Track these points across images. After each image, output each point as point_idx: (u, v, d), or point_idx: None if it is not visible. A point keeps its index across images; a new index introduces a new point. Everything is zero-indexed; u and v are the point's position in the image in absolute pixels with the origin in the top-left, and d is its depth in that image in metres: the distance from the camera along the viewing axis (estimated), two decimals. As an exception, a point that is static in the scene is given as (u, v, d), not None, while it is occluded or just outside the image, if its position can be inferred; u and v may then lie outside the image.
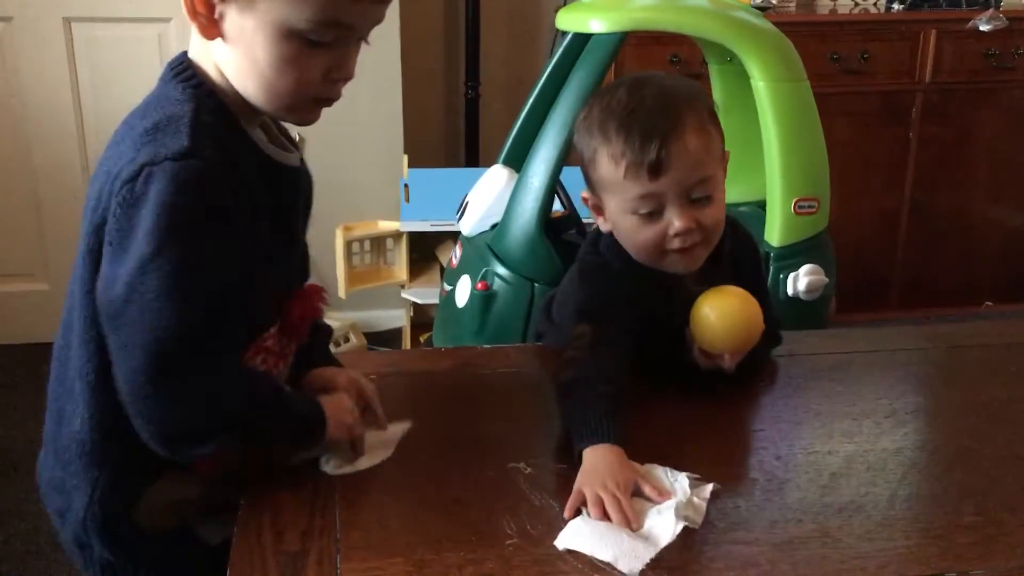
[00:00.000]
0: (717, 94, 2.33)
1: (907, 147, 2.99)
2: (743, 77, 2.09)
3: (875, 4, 3.13)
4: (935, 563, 0.87)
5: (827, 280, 2.08)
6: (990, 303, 3.13)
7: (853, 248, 2.86)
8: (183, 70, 0.91)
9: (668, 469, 0.98)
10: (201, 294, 0.83)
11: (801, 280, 2.05)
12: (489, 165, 2.32)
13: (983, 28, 2.87)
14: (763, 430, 1.12)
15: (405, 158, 2.77)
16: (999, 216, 3.16)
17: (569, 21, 2.12)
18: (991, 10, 2.90)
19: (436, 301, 2.41)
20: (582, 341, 1.10)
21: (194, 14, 0.86)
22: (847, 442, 1.08)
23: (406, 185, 2.69)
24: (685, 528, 0.90)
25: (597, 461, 0.97)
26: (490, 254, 2.13)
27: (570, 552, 0.87)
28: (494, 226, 2.20)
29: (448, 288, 2.24)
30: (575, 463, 0.97)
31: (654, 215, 1.11)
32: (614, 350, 1.09)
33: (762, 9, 2.73)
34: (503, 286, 2.05)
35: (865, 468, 1.03)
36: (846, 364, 1.32)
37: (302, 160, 1.01)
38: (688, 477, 0.97)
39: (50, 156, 2.70)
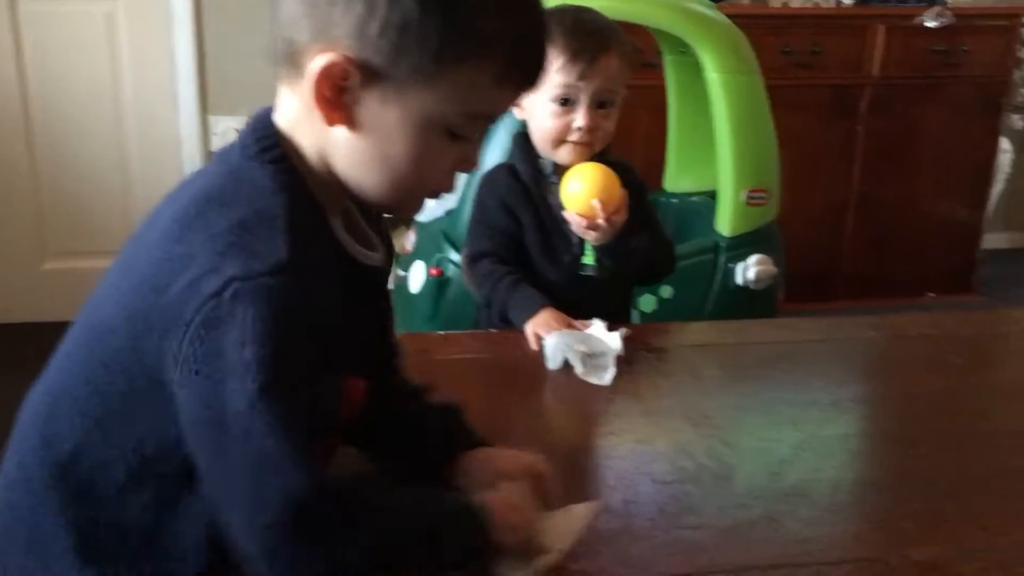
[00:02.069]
0: (671, 84, 2.35)
1: (855, 140, 3.05)
2: (697, 68, 2.11)
3: (826, -2, 3.18)
4: (878, 548, 0.89)
5: (776, 270, 2.12)
6: (932, 294, 3.20)
7: (802, 239, 2.90)
8: (272, 146, 0.77)
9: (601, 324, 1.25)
10: (318, 430, 0.73)
11: (750, 270, 2.08)
12: (444, 151, 2.31)
13: (929, 24, 2.93)
14: (712, 417, 1.14)
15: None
16: (943, 209, 3.23)
17: (525, 8, 2.12)
18: (937, 7, 2.96)
19: (390, 287, 2.40)
20: (484, 268, 1.42)
21: (321, 100, 0.74)
22: (794, 429, 1.10)
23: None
24: (635, 515, 0.92)
25: (539, 321, 1.30)
26: (444, 240, 2.13)
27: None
28: (448, 212, 2.20)
29: (402, 274, 2.24)
30: (541, 450, 0.98)
31: (567, 109, 1.40)
32: (506, 254, 1.43)
33: (715, 1, 2.76)
34: (457, 272, 2.05)
35: (811, 455, 1.05)
36: (793, 353, 1.34)
37: (389, 257, 0.90)
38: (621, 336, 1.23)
39: (-7, 135, 2.64)
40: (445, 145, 0.78)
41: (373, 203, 0.83)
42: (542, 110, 1.42)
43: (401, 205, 0.83)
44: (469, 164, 0.81)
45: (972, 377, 1.29)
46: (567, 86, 1.39)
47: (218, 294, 0.69)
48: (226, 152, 0.80)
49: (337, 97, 0.74)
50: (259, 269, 0.69)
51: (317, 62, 0.73)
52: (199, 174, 0.81)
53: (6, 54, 2.59)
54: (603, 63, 1.39)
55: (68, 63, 2.64)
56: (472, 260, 1.47)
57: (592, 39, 1.39)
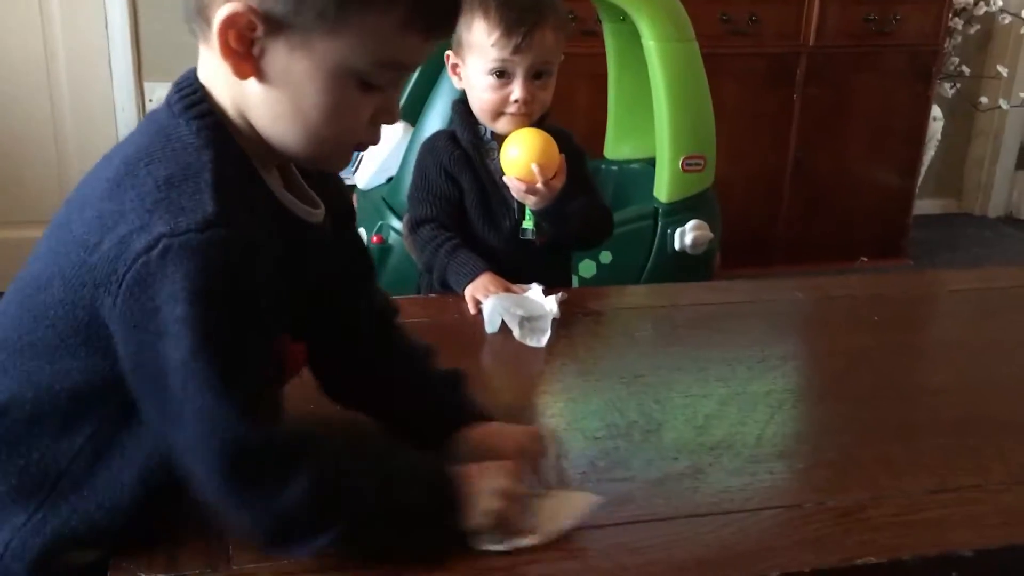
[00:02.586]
0: (610, 52, 2.37)
1: (791, 108, 3.10)
2: (635, 36, 2.13)
3: (764, -33, 3.21)
4: (796, 495, 0.94)
5: (712, 235, 2.16)
6: (865, 259, 3.29)
7: (739, 205, 2.96)
8: (196, 102, 0.77)
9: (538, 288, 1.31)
10: (253, 381, 0.74)
11: (687, 235, 2.13)
12: (385, 118, 2.31)
13: (864, -7, 2.99)
14: (644, 376, 1.17)
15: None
16: (876, 175, 3.31)
17: (465, -26, 2.12)
18: (871, -24, 3.01)
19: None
20: (425, 233, 1.45)
21: (228, 51, 0.74)
22: (722, 386, 1.15)
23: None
24: (567, 470, 0.95)
25: (478, 285, 1.34)
26: (385, 207, 2.13)
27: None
28: (389, 180, 2.21)
29: (343, 241, 2.24)
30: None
31: (504, 81, 1.41)
32: (447, 220, 1.46)
33: (655, -31, 2.78)
34: (398, 240, 2.06)
35: (736, 410, 1.09)
36: (725, 314, 1.39)
37: (337, 217, 0.90)
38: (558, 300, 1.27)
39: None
40: (359, 96, 0.78)
41: (295, 157, 0.83)
42: (479, 82, 1.43)
43: (323, 159, 0.83)
44: (389, 116, 0.81)
45: (893, 336, 1.34)
46: (502, 60, 1.40)
47: (147, 251, 0.70)
48: (155, 112, 0.80)
49: (245, 49, 0.75)
50: (186, 225, 0.70)
51: (221, 13, 0.73)
52: (132, 135, 0.81)
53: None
54: (538, 36, 1.40)
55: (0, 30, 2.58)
56: (413, 226, 1.49)
57: (527, 12, 1.39)
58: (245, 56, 0.75)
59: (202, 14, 0.76)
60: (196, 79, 0.80)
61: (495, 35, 1.39)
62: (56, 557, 0.78)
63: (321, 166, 0.87)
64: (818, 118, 3.13)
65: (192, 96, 0.78)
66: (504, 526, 0.82)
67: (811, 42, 3.03)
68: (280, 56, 0.75)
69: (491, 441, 0.91)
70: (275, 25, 0.74)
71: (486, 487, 0.81)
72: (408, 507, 0.79)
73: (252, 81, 0.77)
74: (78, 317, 0.75)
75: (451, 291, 1.40)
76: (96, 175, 0.79)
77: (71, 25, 2.63)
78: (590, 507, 0.86)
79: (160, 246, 0.70)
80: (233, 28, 0.74)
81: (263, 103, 0.78)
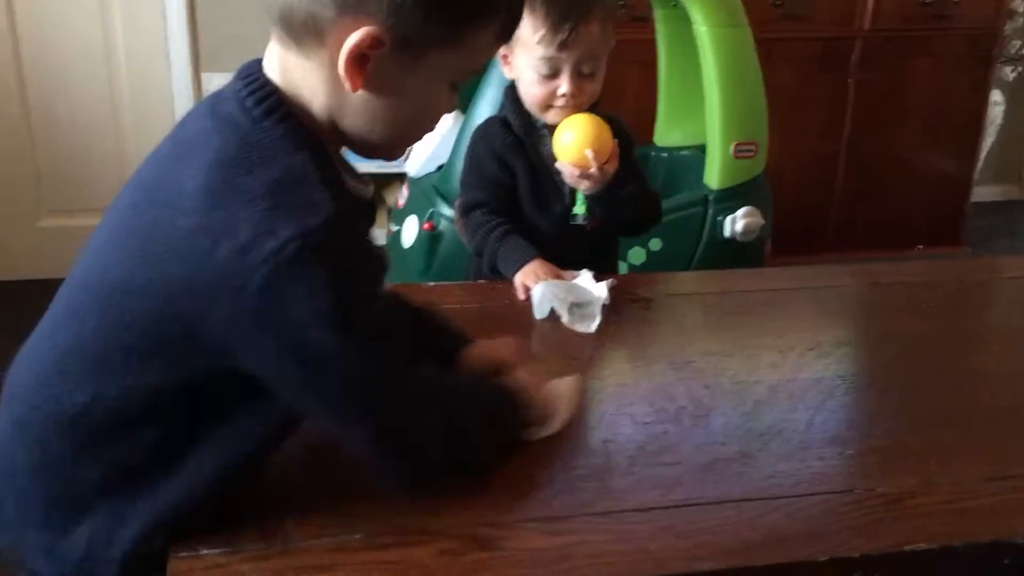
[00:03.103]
0: (661, 38, 2.36)
1: (846, 93, 3.06)
2: (686, 22, 2.12)
3: (818, -50, 3.17)
4: (846, 481, 0.94)
5: (763, 222, 2.15)
6: (921, 246, 3.24)
7: (791, 192, 2.93)
8: (276, 106, 0.80)
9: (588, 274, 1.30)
10: (388, 345, 0.83)
11: (738, 222, 2.11)
12: (435, 106, 2.32)
13: (921, -24, 2.93)
14: (695, 362, 1.18)
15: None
16: (933, 161, 3.25)
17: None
18: (929, -42, 2.95)
19: (383, 241, 2.43)
20: (476, 218, 1.46)
21: (349, 68, 0.78)
22: (772, 372, 1.14)
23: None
24: (615, 452, 0.96)
25: (528, 271, 1.35)
26: (436, 195, 2.15)
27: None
28: (440, 167, 2.23)
29: (394, 228, 2.26)
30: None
31: (550, 76, 1.41)
32: (498, 205, 1.47)
33: (707, -47, 2.75)
34: (449, 226, 2.08)
35: (787, 396, 1.09)
36: (775, 301, 1.38)
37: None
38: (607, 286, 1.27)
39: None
40: (448, 96, 0.86)
41: (367, 151, 0.88)
42: (526, 76, 1.44)
43: (398, 152, 0.91)
44: (451, 107, 0.88)
45: (947, 323, 1.32)
46: (549, 58, 1.40)
47: (277, 254, 0.73)
48: (229, 117, 0.81)
49: (362, 65, 0.79)
50: (313, 225, 0.74)
51: (353, 36, 0.77)
52: (203, 138, 0.81)
53: (-1, 13, 2.59)
54: (584, 31, 1.39)
55: (61, 22, 2.64)
56: (465, 211, 1.50)
57: (572, 7, 1.38)
58: (360, 71, 0.79)
59: (314, 31, 0.79)
60: (268, 81, 0.82)
61: (540, 32, 1.39)
62: (139, 547, 0.82)
63: (390, 157, 0.91)
64: (873, 103, 3.08)
65: (270, 100, 0.81)
66: (544, 415, 0.98)
67: (866, 26, 2.98)
68: (393, 69, 0.80)
69: (489, 355, 1.04)
70: (400, 44, 0.79)
71: (534, 386, 0.98)
72: (508, 427, 0.95)
73: (360, 92, 0.80)
74: (179, 324, 0.77)
75: (501, 277, 1.41)
76: (174, 178, 0.80)
77: (131, 17, 2.68)
78: (582, 385, 1.05)
79: (291, 248, 0.73)
80: (360, 49, 0.78)
81: (365, 110, 0.82)
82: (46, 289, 0.94)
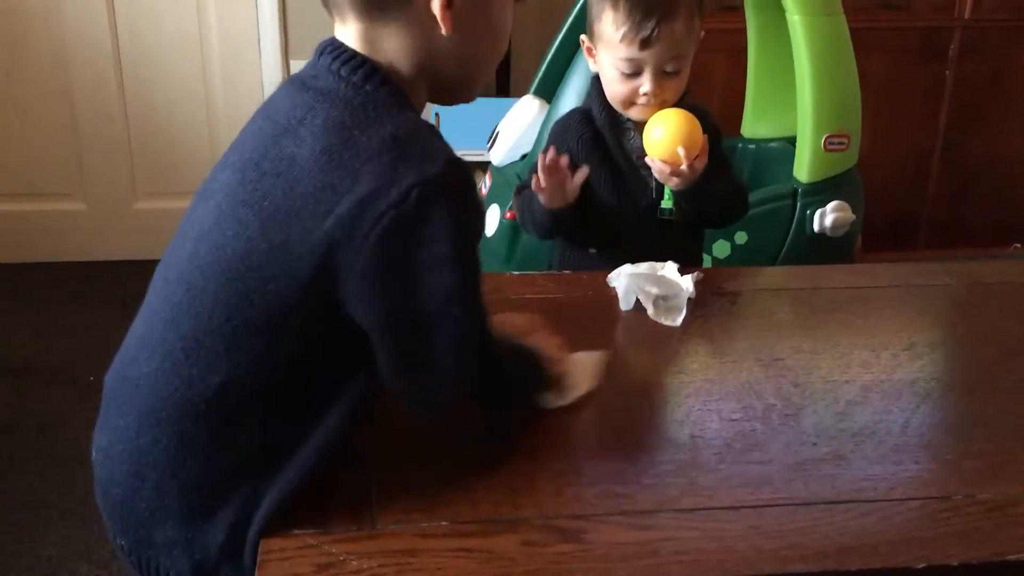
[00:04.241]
0: (752, 27, 2.31)
1: (943, 85, 2.95)
2: (778, 11, 2.07)
3: (918, -63, 3.07)
4: (942, 486, 0.91)
5: (854, 217, 2.09)
6: (1019, 245, 3.12)
7: (883, 186, 2.84)
8: (372, 72, 0.84)
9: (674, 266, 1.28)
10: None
11: (828, 216, 2.06)
12: (520, 95, 2.32)
13: (1027, -37, 2.81)
14: (784, 359, 1.15)
15: (437, 87, 2.77)
16: (1032, 157, 3.12)
17: (604, -50, 2.10)
18: (1036, -55, 2.83)
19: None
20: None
21: (444, 11, 0.84)
22: (864, 372, 1.11)
23: (437, 114, 2.70)
24: (702, 448, 0.95)
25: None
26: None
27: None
28: (523, 156, 2.22)
29: (477, 217, 2.27)
30: (611, 387, 1.03)
31: (632, 75, 1.38)
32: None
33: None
34: (532, 216, 2.07)
35: (880, 397, 1.06)
36: (867, 298, 1.34)
37: None
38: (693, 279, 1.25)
39: (87, 77, 2.73)
40: (512, 14, 0.91)
41: (452, 95, 0.93)
42: (609, 73, 1.42)
43: (479, 88, 0.94)
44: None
45: (1052, 326, 1.27)
46: (630, 59, 1.38)
47: (401, 201, 0.77)
48: (324, 88, 0.84)
49: (450, 7, 0.84)
50: (434, 171, 0.78)
51: None
52: (304, 112, 0.83)
53: (98, 4, 2.67)
54: (667, 30, 1.35)
55: (156, 10, 2.71)
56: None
57: (656, 3, 1.35)
58: (447, 11, 0.84)
59: None
60: (356, 52, 0.86)
61: (623, 30, 1.36)
62: (269, 525, 0.83)
63: (471, 98, 0.95)
64: (972, 96, 2.97)
65: (364, 67, 0.84)
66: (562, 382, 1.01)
67: (966, 15, 2.87)
68: (471, 3, 0.85)
69: (508, 325, 1.02)
70: None
71: (551, 352, 1.00)
72: (539, 382, 0.99)
73: (442, 36, 0.85)
74: (302, 289, 0.80)
75: (581, 267, 1.40)
76: (283, 150, 0.82)
77: (223, 5, 2.74)
78: (606, 360, 1.07)
79: (415, 194, 0.77)
80: None
81: (456, 52, 0.87)
82: (141, 269, 0.96)
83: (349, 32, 0.87)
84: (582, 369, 1.04)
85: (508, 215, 2.12)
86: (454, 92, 0.93)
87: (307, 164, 0.80)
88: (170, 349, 0.85)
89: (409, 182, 0.77)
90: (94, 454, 0.92)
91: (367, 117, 0.81)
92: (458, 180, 0.80)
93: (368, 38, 0.86)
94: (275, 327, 0.81)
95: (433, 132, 0.83)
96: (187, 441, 0.84)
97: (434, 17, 0.84)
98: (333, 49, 0.86)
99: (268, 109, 0.89)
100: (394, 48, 0.86)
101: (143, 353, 0.87)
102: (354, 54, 0.85)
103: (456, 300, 0.80)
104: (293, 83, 0.89)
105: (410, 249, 0.78)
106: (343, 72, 0.84)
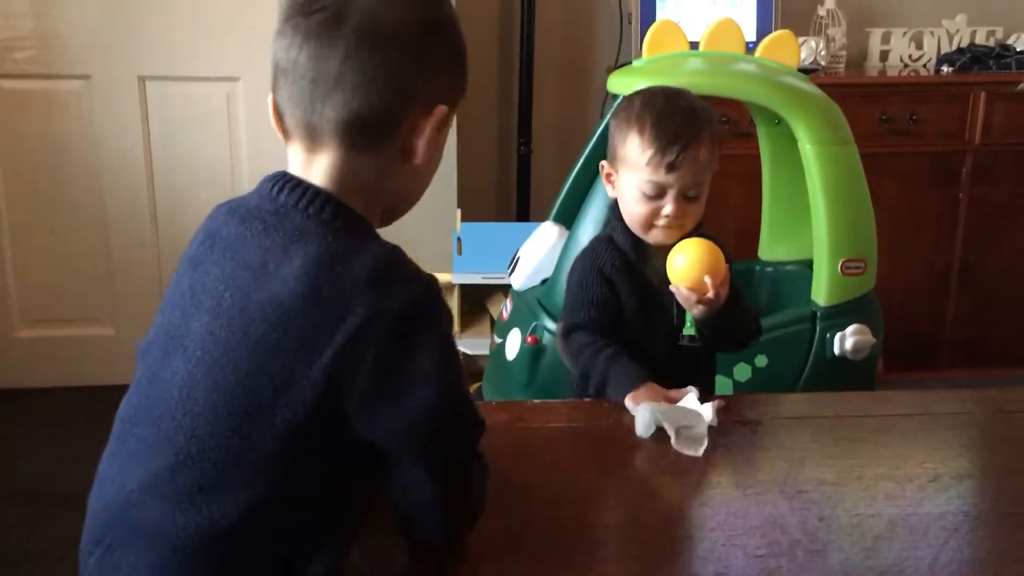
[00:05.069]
0: (765, 154, 2.37)
1: (957, 207, 2.99)
2: (790, 139, 2.13)
3: (924, 66, 3.16)
4: (975, 628, 0.89)
5: (874, 340, 2.09)
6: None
7: (903, 307, 2.86)
8: (338, 207, 0.89)
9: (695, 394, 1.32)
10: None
11: (848, 340, 2.06)
12: (540, 220, 2.37)
13: (1032, 90, 2.88)
14: (808, 491, 1.14)
15: (459, 211, 2.84)
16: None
17: (620, 85, 2.18)
18: (1042, 73, 2.91)
19: (486, 352, 2.46)
20: (580, 338, 1.46)
21: (422, 145, 0.93)
22: (890, 505, 1.10)
23: (459, 238, 2.76)
24: (728, 586, 0.93)
25: (639, 395, 1.32)
26: (540, 309, 2.17)
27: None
28: (544, 281, 2.25)
29: (498, 340, 2.29)
30: (634, 519, 1.01)
31: (654, 197, 1.43)
32: (603, 325, 1.46)
33: (810, 71, 2.78)
34: (552, 341, 2.09)
35: (908, 532, 1.04)
36: (891, 427, 1.34)
37: None
38: (714, 408, 1.28)
39: (122, 206, 2.81)
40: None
41: (394, 217, 0.99)
42: (631, 195, 1.46)
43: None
44: None
45: (1079, 455, 1.25)
46: (653, 182, 1.42)
47: (392, 322, 0.83)
48: (302, 228, 0.88)
49: (419, 140, 0.91)
50: (417, 293, 0.86)
51: (432, 119, 0.91)
52: (281, 257, 0.87)
53: (135, 133, 2.77)
54: (692, 155, 1.41)
55: (190, 140, 2.81)
56: (567, 332, 1.51)
57: (682, 131, 1.40)
58: (422, 143, 0.92)
59: (388, 125, 0.90)
60: (320, 189, 0.90)
61: (648, 154, 1.41)
62: None
63: (397, 217, 1.01)
64: (987, 217, 3.01)
65: (331, 204, 0.89)
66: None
67: (977, 140, 2.93)
68: (427, 134, 0.92)
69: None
70: (453, 112, 0.94)
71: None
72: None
73: (407, 165, 0.93)
74: (304, 422, 0.84)
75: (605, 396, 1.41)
76: (266, 296, 0.85)
77: (254, 135, 2.82)
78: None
79: (405, 313, 0.84)
80: (437, 125, 0.92)
81: (412, 176, 0.96)
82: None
83: (319, 161, 0.90)
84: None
85: (529, 340, 2.14)
86: (396, 215, 0.99)
87: (297, 305, 0.84)
88: (179, 487, 0.86)
89: (396, 306, 0.84)
90: None
91: (344, 252, 0.86)
92: (438, 298, 0.88)
93: (343, 168, 0.90)
94: (288, 453, 0.85)
95: (403, 255, 0.89)
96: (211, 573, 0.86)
97: (409, 148, 0.92)
98: (294, 186, 0.90)
99: (228, 248, 0.91)
100: (365, 177, 0.92)
101: (148, 494, 0.87)
102: (318, 191, 0.90)
103: (449, 396, 0.88)
104: (248, 219, 0.91)
105: (402, 366, 0.84)
106: (311, 211, 0.89)
